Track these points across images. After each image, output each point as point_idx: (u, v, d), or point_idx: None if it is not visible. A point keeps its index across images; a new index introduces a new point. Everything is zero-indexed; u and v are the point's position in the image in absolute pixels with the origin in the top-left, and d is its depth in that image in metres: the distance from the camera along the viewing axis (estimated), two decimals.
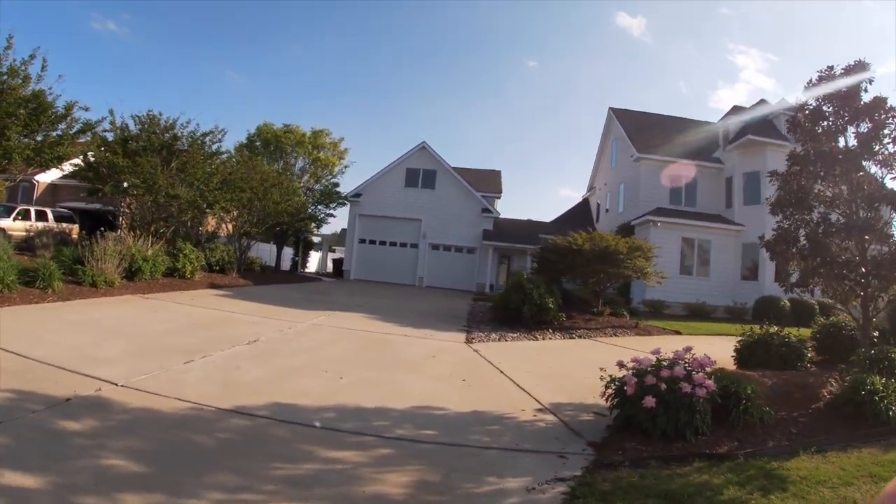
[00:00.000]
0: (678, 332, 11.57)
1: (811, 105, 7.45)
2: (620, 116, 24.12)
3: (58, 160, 11.83)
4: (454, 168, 24.67)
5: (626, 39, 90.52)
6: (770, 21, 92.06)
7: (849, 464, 3.83)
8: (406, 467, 3.18)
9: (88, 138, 12.79)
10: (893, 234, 7.01)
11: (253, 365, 5.42)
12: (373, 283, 21.39)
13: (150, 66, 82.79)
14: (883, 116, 6.91)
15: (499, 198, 27.33)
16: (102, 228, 12.30)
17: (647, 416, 3.92)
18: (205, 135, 14.94)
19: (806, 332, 8.42)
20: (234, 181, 16.14)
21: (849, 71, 7.06)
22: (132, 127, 14.01)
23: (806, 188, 7.32)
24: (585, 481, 3.14)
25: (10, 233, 13.43)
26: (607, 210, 25.44)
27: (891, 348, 5.91)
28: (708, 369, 4.39)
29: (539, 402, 4.98)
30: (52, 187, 23.24)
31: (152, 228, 13.54)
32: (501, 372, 6.26)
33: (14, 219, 15.55)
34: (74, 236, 16.34)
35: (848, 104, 7.07)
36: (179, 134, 14.45)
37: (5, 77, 10.16)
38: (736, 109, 22.16)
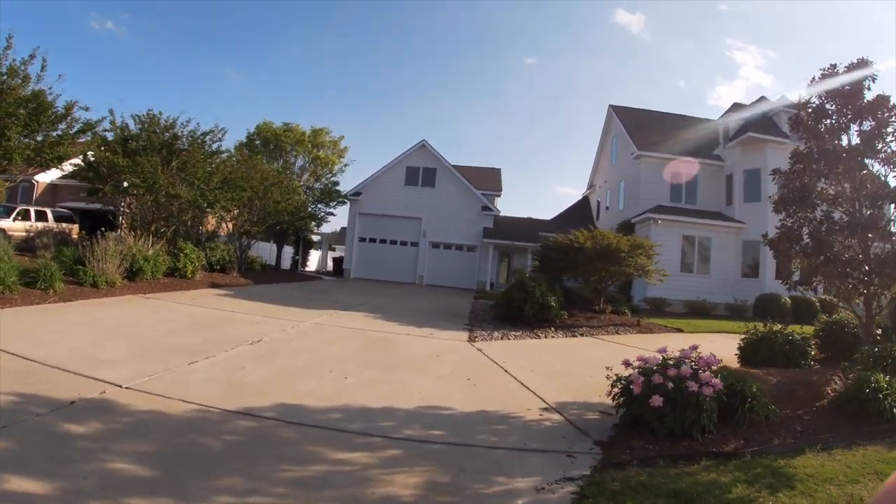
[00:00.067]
0: (680, 330, 11.57)
1: (814, 103, 7.44)
2: (620, 114, 24.10)
3: (58, 160, 11.79)
4: (454, 166, 24.64)
5: (625, 36, 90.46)
6: (769, 17, 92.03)
7: (854, 461, 3.84)
8: (415, 468, 3.17)
9: (88, 138, 12.75)
10: None
11: (257, 365, 5.41)
12: (373, 282, 21.38)
13: (149, 66, 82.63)
14: (886, 115, 6.91)
15: (499, 196, 27.32)
16: (103, 228, 12.28)
17: (655, 416, 3.92)
18: (205, 134, 14.91)
19: (808, 329, 8.43)
20: (235, 180, 16.12)
21: (851, 69, 7.05)
22: (132, 126, 13.98)
23: (809, 186, 7.32)
24: (594, 481, 3.14)
25: (10, 233, 13.38)
26: (607, 208, 25.44)
27: (894, 346, 5.93)
28: (714, 368, 4.39)
29: (544, 401, 4.97)
30: (52, 187, 23.18)
31: (153, 228, 13.51)
32: (506, 371, 6.25)
33: (14, 219, 15.51)
34: (74, 236, 16.29)
35: (851, 102, 7.07)
36: (180, 133, 14.43)
37: (5, 77, 10.12)
38: (736, 107, 22.16)
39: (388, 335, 8.21)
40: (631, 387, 4.11)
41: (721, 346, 6.89)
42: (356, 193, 24.28)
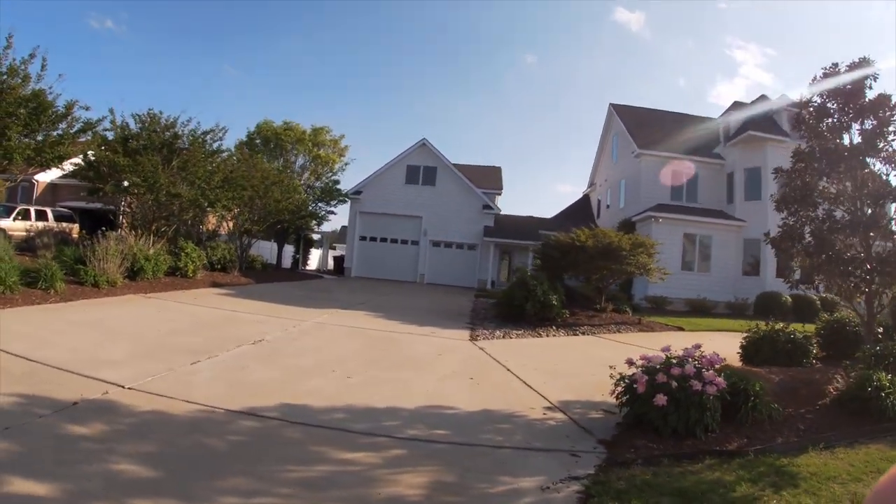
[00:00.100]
0: (681, 329, 11.58)
1: (816, 102, 7.44)
2: (621, 112, 24.07)
3: (58, 160, 11.76)
4: (455, 165, 24.62)
5: (625, 34, 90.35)
6: (769, 16, 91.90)
7: (857, 460, 3.86)
8: (420, 468, 3.17)
9: (89, 137, 12.72)
10: None
11: (260, 365, 5.41)
12: (374, 281, 21.38)
13: (149, 64, 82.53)
14: (888, 113, 6.91)
15: (499, 194, 27.31)
16: (104, 228, 12.26)
17: (659, 414, 3.92)
18: (206, 133, 14.88)
19: (809, 328, 8.44)
20: (236, 179, 16.10)
21: (853, 68, 7.06)
22: (132, 126, 13.96)
23: (810, 185, 7.33)
24: (599, 480, 3.14)
25: (10, 233, 13.35)
26: (608, 206, 25.43)
27: (895, 344, 5.93)
28: (717, 366, 4.40)
29: (548, 400, 4.98)
30: (52, 187, 23.14)
31: (153, 227, 13.50)
32: (508, 370, 6.26)
33: (14, 219, 15.48)
34: (75, 236, 16.27)
35: (852, 101, 7.07)
36: (180, 132, 14.40)
37: (5, 76, 10.09)
38: (736, 105, 22.14)
39: (391, 334, 8.22)
40: (635, 386, 4.11)
41: (722, 345, 6.89)
42: (357, 192, 24.27)
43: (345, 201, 26.12)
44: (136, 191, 13.13)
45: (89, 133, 12.36)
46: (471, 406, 4.60)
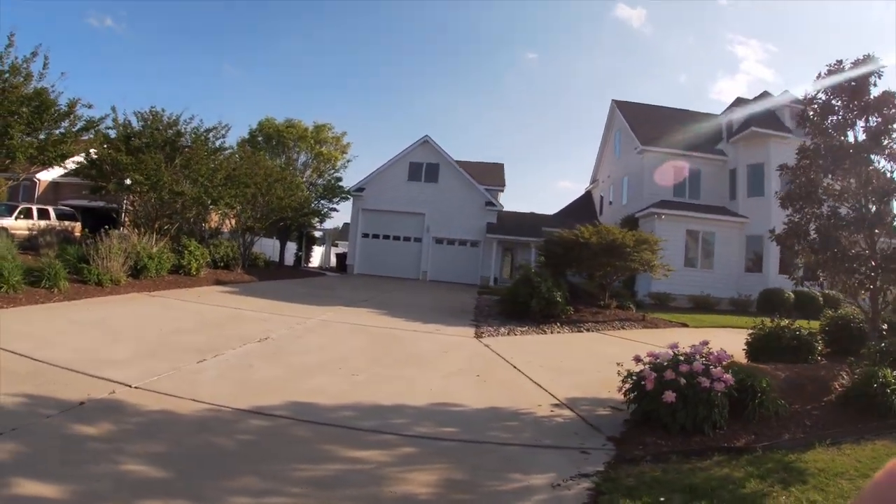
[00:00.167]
0: (685, 325, 11.57)
1: (820, 99, 7.42)
2: (623, 108, 24.01)
3: (61, 158, 11.75)
4: (457, 161, 24.59)
5: (626, 31, 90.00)
6: (770, 11, 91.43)
7: (864, 456, 3.86)
8: (430, 466, 3.17)
9: (91, 136, 12.70)
10: None
11: (266, 363, 5.41)
12: (377, 278, 21.38)
13: (149, 64, 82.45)
14: (892, 111, 6.91)
15: (502, 191, 27.26)
16: (107, 226, 12.26)
17: (667, 411, 3.92)
18: (208, 131, 14.87)
19: (813, 324, 8.43)
20: (238, 177, 16.09)
21: (857, 65, 7.04)
22: (135, 124, 13.94)
23: (815, 182, 7.32)
24: (609, 477, 3.15)
25: (12, 232, 13.36)
26: (610, 202, 25.40)
27: None
28: (724, 363, 4.40)
29: (555, 397, 4.97)
30: (54, 185, 23.12)
31: (156, 225, 13.50)
32: (514, 367, 6.25)
33: (16, 218, 15.47)
34: (77, 234, 16.27)
35: (857, 98, 7.06)
36: (183, 130, 14.38)
37: (7, 75, 10.06)
38: (739, 101, 22.08)
39: (395, 331, 8.22)
40: (643, 383, 4.11)
41: (727, 341, 6.87)
42: (359, 189, 24.25)
43: (347, 198, 26.11)
44: (138, 189, 13.12)
45: (92, 131, 12.34)
46: (478, 403, 4.60)
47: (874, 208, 6.97)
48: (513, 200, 77.90)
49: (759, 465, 3.51)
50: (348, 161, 29.15)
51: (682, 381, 3.99)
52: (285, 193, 18.94)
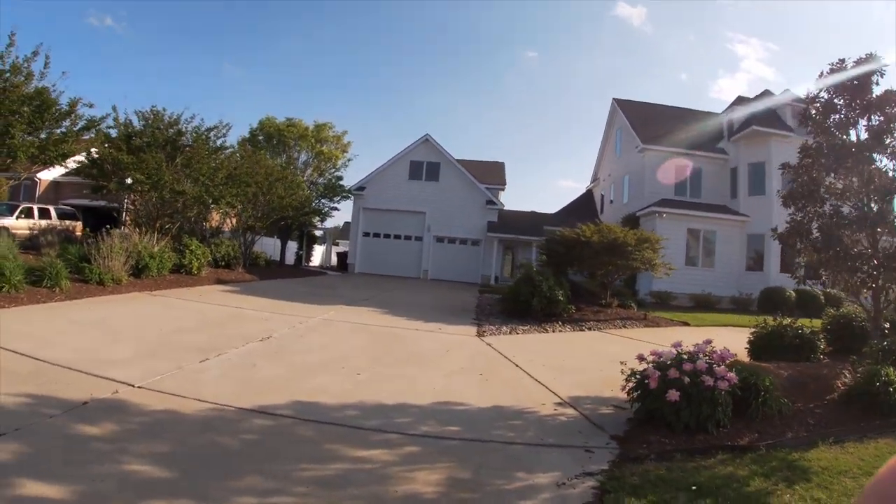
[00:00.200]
0: (686, 324, 11.57)
1: (823, 98, 7.41)
2: (624, 107, 23.98)
3: (62, 157, 11.76)
4: (458, 160, 24.57)
5: (627, 29, 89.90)
6: (770, 10, 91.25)
7: (867, 454, 3.87)
8: (435, 465, 3.17)
9: (92, 135, 12.70)
10: None
11: (269, 362, 5.41)
12: (378, 277, 21.37)
13: (149, 63, 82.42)
14: (894, 110, 6.88)
15: (503, 189, 27.24)
16: (108, 226, 12.26)
17: (671, 410, 3.92)
18: (209, 130, 14.87)
19: (816, 322, 8.43)
20: (240, 176, 16.08)
21: (859, 63, 7.03)
22: (136, 123, 13.93)
23: (817, 180, 7.31)
24: (614, 475, 3.15)
25: (13, 231, 13.34)
26: (611, 201, 25.38)
27: None
28: (728, 362, 4.40)
29: (558, 396, 4.98)
30: (55, 184, 23.11)
31: (157, 224, 13.50)
32: (516, 365, 6.25)
33: (17, 217, 15.46)
34: (78, 234, 16.27)
35: (859, 97, 7.06)
36: (184, 129, 14.38)
37: (8, 74, 10.06)
38: (740, 100, 22.04)
39: (397, 330, 8.22)
40: (646, 381, 4.11)
41: (729, 340, 6.87)
42: (360, 188, 24.23)
43: (348, 197, 26.09)
44: (140, 188, 13.12)
45: (93, 131, 12.34)
46: (481, 402, 4.60)
47: (876, 207, 6.97)
48: (513, 199, 78.00)
49: (763, 464, 3.52)
50: (349, 160, 29.15)
51: (686, 379, 3.99)
52: (286, 192, 18.94)
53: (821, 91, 7.42)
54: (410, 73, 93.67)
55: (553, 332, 9.40)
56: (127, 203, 14.57)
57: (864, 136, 7.17)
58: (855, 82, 7.01)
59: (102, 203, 16.96)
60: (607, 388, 5.17)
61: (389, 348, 6.76)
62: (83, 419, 3.36)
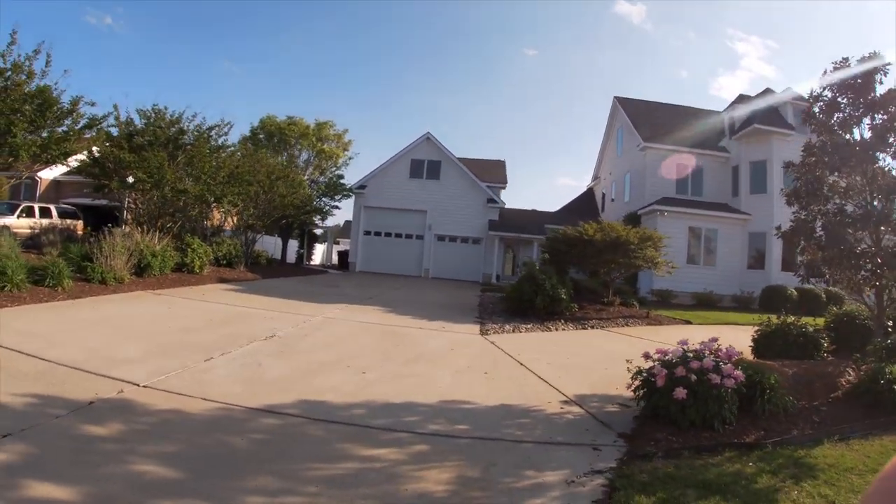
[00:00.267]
0: (688, 322, 11.59)
1: (826, 96, 7.41)
2: (625, 105, 23.97)
3: (64, 156, 11.74)
4: (459, 158, 24.55)
5: (627, 27, 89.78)
6: (770, 8, 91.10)
7: (872, 451, 3.88)
8: (445, 463, 3.17)
9: (94, 134, 12.68)
10: None
11: (274, 361, 5.40)
12: (379, 275, 21.38)
13: (149, 62, 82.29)
14: None
15: (504, 188, 27.20)
16: (110, 225, 12.25)
17: (678, 408, 3.93)
18: (210, 128, 14.86)
19: (819, 321, 8.43)
20: (241, 174, 16.08)
21: (863, 62, 7.03)
22: (137, 121, 13.92)
23: (821, 179, 7.32)
24: (623, 473, 3.16)
25: (14, 230, 13.32)
26: (613, 199, 25.38)
27: None
28: (734, 360, 4.40)
29: (563, 394, 4.98)
30: (55, 183, 23.10)
31: (159, 223, 13.49)
32: (521, 364, 6.26)
33: (18, 216, 15.44)
34: (80, 233, 16.25)
35: (863, 96, 7.06)
36: (185, 128, 14.36)
37: (10, 73, 10.03)
38: (742, 98, 22.04)
39: (401, 329, 8.22)
40: (653, 379, 4.12)
41: (732, 338, 6.88)
42: (361, 187, 24.22)
43: (349, 196, 26.09)
44: (141, 187, 13.10)
45: (94, 129, 12.32)
46: (488, 401, 4.60)
47: (880, 205, 6.98)
48: (514, 197, 77.99)
49: (769, 461, 3.53)
50: (350, 158, 29.17)
51: (693, 377, 3.99)
52: (287, 191, 18.94)
53: (824, 90, 7.42)
54: (411, 72, 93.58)
55: (556, 330, 9.41)
56: (128, 202, 14.54)
57: (867, 134, 7.17)
58: (858, 81, 7.01)
59: (103, 202, 16.95)
60: (612, 386, 5.18)
61: (394, 347, 6.76)
62: (89, 419, 3.35)
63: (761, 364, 5.24)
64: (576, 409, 4.58)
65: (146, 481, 2.63)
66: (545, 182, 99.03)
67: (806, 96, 8.08)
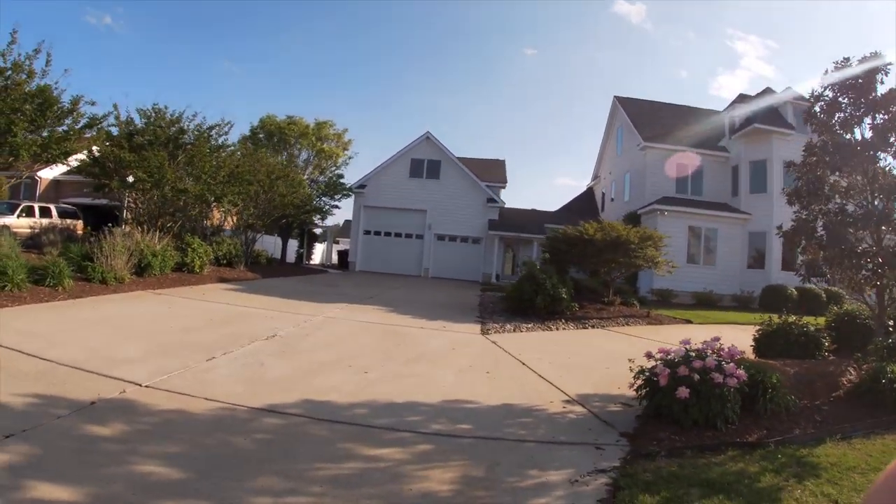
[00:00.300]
0: (689, 322, 11.60)
1: (827, 96, 7.41)
2: (625, 105, 23.98)
3: (64, 156, 11.73)
4: (458, 158, 24.56)
5: (626, 27, 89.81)
6: (770, 7, 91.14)
7: (874, 450, 3.89)
8: (448, 463, 3.17)
9: (94, 133, 12.66)
10: None
11: (276, 360, 5.40)
12: (379, 275, 21.38)
13: (149, 62, 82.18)
14: None
15: (504, 187, 27.21)
16: (110, 224, 12.24)
17: (680, 407, 3.93)
18: (211, 128, 14.85)
19: (820, 320, 8.44)
20: (241, 174, 16.07)
21: (864, 62, 7.03)
22: (137, 121, 13.90)
23: (822, 179, 7.33)
24: (627, 472, 3.16)
25: (14, 230, 13.30)
26: (612, 199, 25.39)
27: None
28: (736, 359, 4.41)
29: (565, 394, 4.98)
30: (55, 183, 23.07)
31: (159, 223, 13.48)
32: (523, 363, 6.26)
33: (18, 216, 15.42)
34: (80, 232, 16.24)
35: (864, 96, 7.06)
36: (186, 127, 14.35)
37: (10, 72, 10.01)
38: (741, 98, 22.05)
39: (402, 328, 8.22)
40: (656, 378, 4.12)
41: (733, 338, 6.87)
42: (361, 186, 24.21)
43: (349, 195, 26.08)
44: (142, 186, 13.09)
45: (94, 128, 12.30)
46: (490, 400, 4.60)
47: (881, 205, 6.99)
48: (514, 197, 77.99)
49: (772, 460, 3.53)
50: (349, 158, 29.17)
51: (696, 377, 4.00)
52: (287, 191, 18.93)
53: (825, 89, 7.43)
54: (410, 72, 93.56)
55: (557, 329, 9.41)
56: (128, 201, 14.52)
57: (868, 134, 7.18)
58: (859, 81, 7.01)
59: (103, 201, 16.93)
60: (614, 385, 5.18)
61: (395, 346, 6.76)
62: (92, 419, 3.34)
63: (763, 363, 5.25)
64: (578, 408, 4.58)
65: (150, 482, 2.62)
66: (545, 182, 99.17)
67: (806, 96, 8.10)
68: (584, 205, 27.93)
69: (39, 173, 21.65)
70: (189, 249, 12.65)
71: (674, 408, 3.97)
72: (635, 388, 4.37)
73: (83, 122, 11.70)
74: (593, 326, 9.96)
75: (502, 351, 7.01)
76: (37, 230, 15.07)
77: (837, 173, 7.32)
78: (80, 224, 17.40)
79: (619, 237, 11.75)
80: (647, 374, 4.28)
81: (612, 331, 9.70)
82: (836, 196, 7.26)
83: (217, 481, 2.69)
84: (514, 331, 8.89)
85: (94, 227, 14.04)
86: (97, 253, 9.74)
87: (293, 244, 27.44)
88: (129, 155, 12.63)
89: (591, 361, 6.77)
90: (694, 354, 4.24)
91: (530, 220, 24.45)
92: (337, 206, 28.11)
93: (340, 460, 3.13)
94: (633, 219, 19.15)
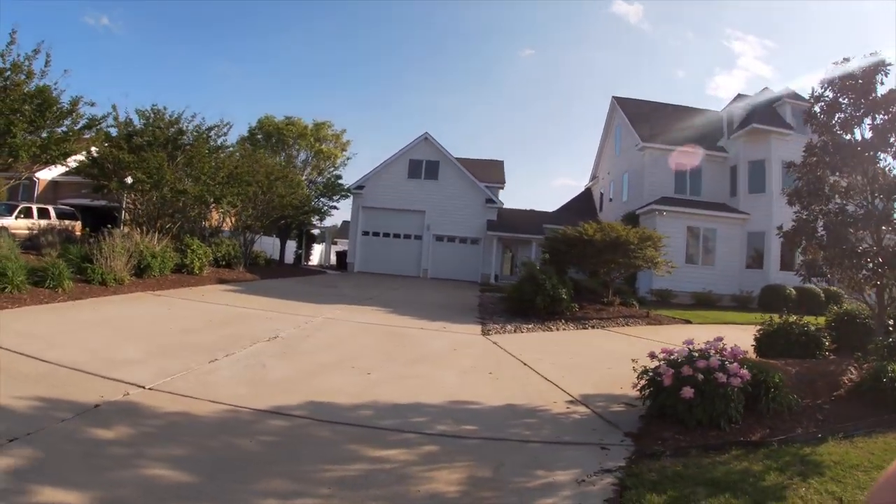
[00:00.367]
0: (688, 322, 11.62)
1: (827, 97, 7.43)
2: (623, 105, 24.01)
3: (64, 156, 11.67)
4: (457, 158, 24.57)
5: (624, 27, 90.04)
6: (768, 7, 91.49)
7: (876, 448, 3.90)
8: (454, 464, 3.17)
9: (93, 134, 12.62)
10: None
11: (278, 362, 5.39)
12: (377, 276, 21.36)
13: (148, 62, 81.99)
14: None
15: (502, 188, 27.25)
16: (109, 225, 12.20)
17: (684, 407, 3.94)
18: (210, 129, 14.84)
19: (820, 320, 8.47)
20: (240, 175, 16.05)
21: (864, 62, 7.06)
22: (136, 122, 13.87)
23: (822, 179, 7.35)
24: (632, 472, 3.16)
25: (12, 231, 13.25)
26: (611, 199, 25.43)
27: None
28: (739, 359, 4.42)
29: (568, 394, 4.99)
30: (53, 184, 22.98)
31: (158, 224, 13.45)
32: (524, 364, 6.26)
33: (16, 217, 15.37)
34: (78, 233, 16.19)
35: (864, 96, 7.08)
36: (185, 128, 14.32)
37: (9, 73, 9.97)
38: (740, 98, 22.11)
39: (403, 329, 8.22)
40: (659, 378, 4.13)
41: (734, 338, 6.86)
42: (359, 187, 24.19)
43: (347, 196, 26.07)
44: (141, 187, 13.06)
45: (94, 129, 12.25)
46: (494, 401, 4.60)
47: (881, 205, 7.02)
48: (512, 197, 78.09)
49: (776, 459, 3.54)
50: (348, 159, 29.15)
51: (700, 376, 4.01)
52: (286, 191, 18.92)
53: (825, 90, 7.45)
54: (410, 72, 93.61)
55: (557, 330, 9.42)
56: (127, 202, 14.49)
57: (868, 135, 7.20)
58: (859, 81, 7.03)
59: (102, 203, 16.87)
60: (616, 385, 5.19)
61: (397, 347, 6.75)
62: (96, 422, 3.32)
63: (765, 363, 5.27)
64: (581, 408, 4.59)
65: (157, 485, 2.60)
66: (543, 182, 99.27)
67: (805, 96, 8.14)
68: (583, 205, 27.97)
69: (38, 174, 21.55)
70: (188, 251, 12.63)
71: (678, 407, 3.97)
72: (639, 388, 4.37)
73: (82, 122, 11.65)
74: (593, 327, 9.98)
75: (503, 351, 7.02)
76: (35, 231, 15.02)
77: (837, 174, 7.34)
78: (78, 225, 17.35)
79: (619, 237, 11.77)
80: (651, 374, 4.29)
81: (612, 331, 9.71)
82: (837, 196, 7.28)
83: (223, 484, 2.68)
84: (515, 331, 8.90)
85: (93, 228, 14.02)
86: (97, 254, 9.71)
87: (291, 245, 27.40)
88: (128, 156, 12.60)
89: (593, 362, 6.78)
90: (697, 354, 4.25)
91: (529, 220, 24.47)
92: (335, 207, 28.09)
93: (346, 462, 3.12)
94: (631, 219, 19.17)
